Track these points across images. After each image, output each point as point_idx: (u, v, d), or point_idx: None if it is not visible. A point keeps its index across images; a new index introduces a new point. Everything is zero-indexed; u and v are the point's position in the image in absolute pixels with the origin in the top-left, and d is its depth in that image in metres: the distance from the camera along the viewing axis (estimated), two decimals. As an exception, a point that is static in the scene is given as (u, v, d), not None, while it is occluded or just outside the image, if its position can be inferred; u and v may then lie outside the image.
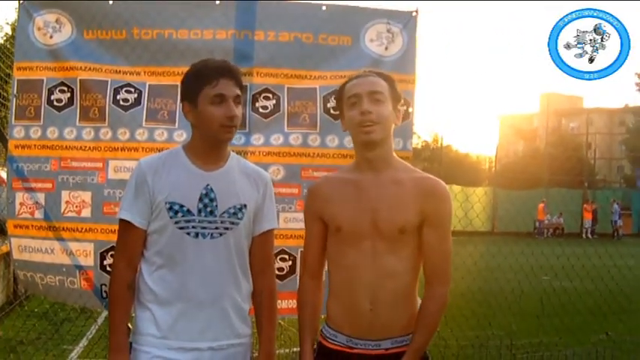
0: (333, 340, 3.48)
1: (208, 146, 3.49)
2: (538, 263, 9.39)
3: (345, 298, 3.45)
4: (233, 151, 5.16)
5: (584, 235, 38.91)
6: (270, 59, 5.65)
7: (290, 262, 5.58)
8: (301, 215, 5.51)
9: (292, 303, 5.49)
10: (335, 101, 3.64)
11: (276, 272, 5.44)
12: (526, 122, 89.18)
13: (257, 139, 5.59)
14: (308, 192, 3.73)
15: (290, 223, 5.54)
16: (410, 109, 5.73)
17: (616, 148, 79.59)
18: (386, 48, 5.72)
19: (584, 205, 41.12)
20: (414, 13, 5.80)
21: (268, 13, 5.67)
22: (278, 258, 5.48)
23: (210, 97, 3.37)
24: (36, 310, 9.24)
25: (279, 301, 5.45)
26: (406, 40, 5.75)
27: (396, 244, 3.37)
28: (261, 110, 5.63)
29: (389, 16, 5.76)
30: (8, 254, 7.49)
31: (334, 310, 3.50)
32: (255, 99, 5.62)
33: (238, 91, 3.44)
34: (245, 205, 3.51)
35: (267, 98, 5.62)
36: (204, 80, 3.39)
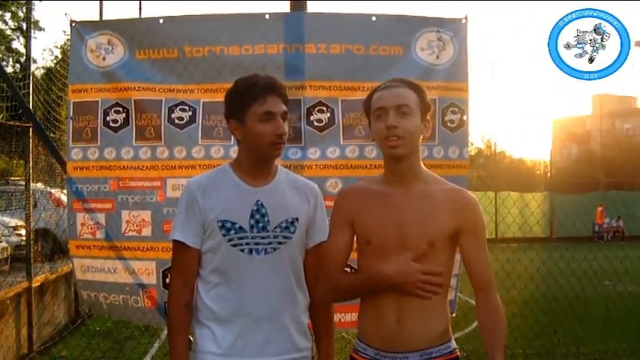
0: (363, 353, 3.42)
1: (257, 162, 3.48)
2: (601, 268, 9.24)
3: (372, 310, 3.40)
4: (290, 165, 5.18)
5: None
6: (321, 72, 5.63)
7: (351, 275, 5.51)
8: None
9: (356, 315, 5.46)
10: (363, 109, 3.57)
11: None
12: (579, 125, 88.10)
13: (313, 153, 5.59)
14: (338, 198, 3.63)
15: (350, 236, 5.48)
16: (464, 117, 5.68)
17: (674, 147, 78.13)
18: (437, 57, 5.68)
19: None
20: (463, 20, 5.75)
21: (318, 26, 5.66)
22: (339, 271, 5.46)
23: (258, 114, 3.35)
24: (99, 329, 9.34)
25: (343, 314, 5.44)
26: (457, 48, 5.71)
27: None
28: (315, 124, 5.62)
29: (439, 24, 5.71)
30: (70, 274, 7.55)
31: (363, 323, 3.46)
32: (309, 112, 5.61)
33: (285, 108, 3.43)
34: (297, 219, 3.49)
35: (321, 111, 5.61)
36: (251, 98, 3.37)
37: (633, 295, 10.25)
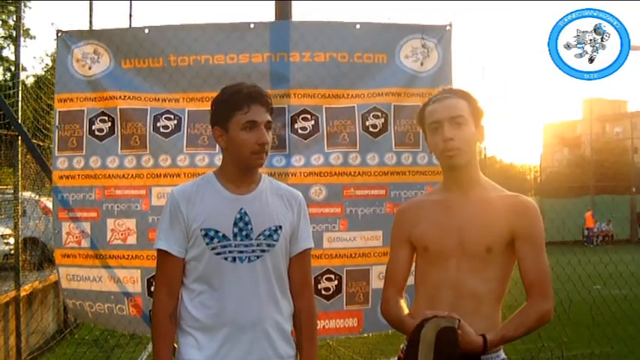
0: None
1: (240, 170, 3.48)
2: (586, 272, 9.24)
3: (425, 309, 3.32)
4: (274, 173, 5.20)
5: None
6: (306, 80, 5.65)
7: (336, 282, 5.52)
8: (345, 234, 5.53)
9: (340, 322, 5.49)
10: (416, 122, 3.59)
11: (322, 292, 5.47)
12: (569, 130, 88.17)
13: (297, 161, 5.60)
14: (397, 214, 3.70)
15: (334, 243, 5.52)
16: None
17: (663, 151, 78.14)
18: (421, 64, 5.71)
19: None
20: (447, 27, 5.78)
21: (303, 34, 5.68)
22: (324, 278, 5.47)
23: (241, 123, 3.36)
24: (86, 337, 9.33)
25: (327, 321, 5.46)
26: (441, 55, 5.74)
27: (482, 264, 3.32)
28: (300, 131, 5.64)
29: (423, 31, 5.73)
30: (57, 283, 7.55)
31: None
32: (293, 120, 5.63)
33: (269, 117, 3.43)
34: (280, 227, 3.49)
35: (305, 119, 5.63)
36: (235, 106, 3.37)
37: (618, 300, 10.22)
